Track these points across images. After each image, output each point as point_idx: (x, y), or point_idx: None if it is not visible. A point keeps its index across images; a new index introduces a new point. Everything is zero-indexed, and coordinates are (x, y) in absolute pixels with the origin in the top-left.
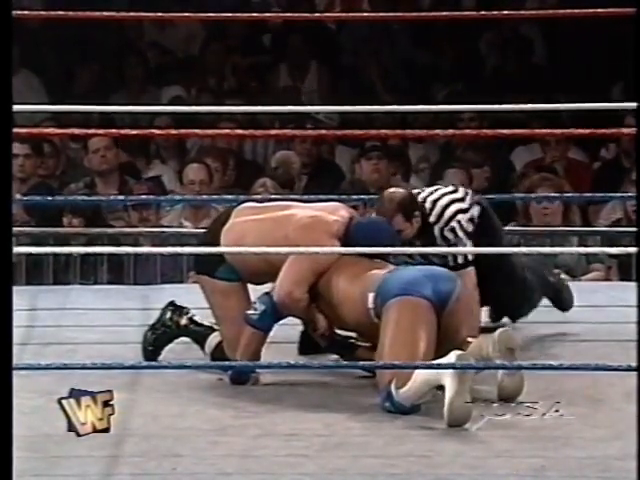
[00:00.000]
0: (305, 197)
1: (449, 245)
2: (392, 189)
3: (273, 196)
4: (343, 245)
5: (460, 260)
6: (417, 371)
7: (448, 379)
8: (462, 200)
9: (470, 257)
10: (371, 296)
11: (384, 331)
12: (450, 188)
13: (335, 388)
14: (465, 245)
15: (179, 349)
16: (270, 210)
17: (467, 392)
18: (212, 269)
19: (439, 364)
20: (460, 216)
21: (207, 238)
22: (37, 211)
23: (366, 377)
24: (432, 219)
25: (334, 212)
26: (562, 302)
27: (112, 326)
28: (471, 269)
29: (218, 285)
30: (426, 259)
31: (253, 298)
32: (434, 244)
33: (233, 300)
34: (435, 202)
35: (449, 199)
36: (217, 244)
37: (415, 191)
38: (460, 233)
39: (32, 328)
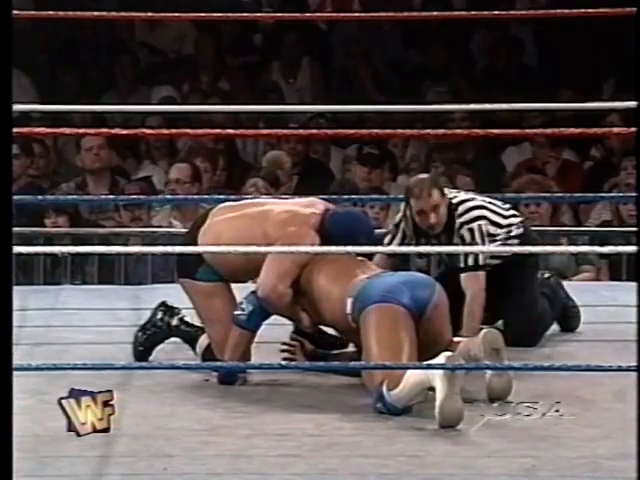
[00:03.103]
0: (296, 197)
1: (463, 244)
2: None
3: (262, 196)
4: (322, 237)
5: (470, 262)
6: (408, 373)
7: (438, 381)
8: (498, 215)
9: (481, 261)
10: (349, 301)
11: (365, 339)
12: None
13: (326, 388)
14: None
15: (170, 349)
16: (246, 207)
17: (457, 393)
18: (192, 271)
19: (431, 365)
20: (483, 222)
21: (186, 241)
22: (26, 211)
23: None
24: (458, 211)
25: (309, 205)
26: (569, 324)
27: (103, 326)
28: (480, 273)
29: (200, 287)
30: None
31: (238, 297)
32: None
33: (217, 301)
34: (465, 202)
35: (481, 206)
36: (196, 246)
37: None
38: (477, 236)
39: (22, 328)
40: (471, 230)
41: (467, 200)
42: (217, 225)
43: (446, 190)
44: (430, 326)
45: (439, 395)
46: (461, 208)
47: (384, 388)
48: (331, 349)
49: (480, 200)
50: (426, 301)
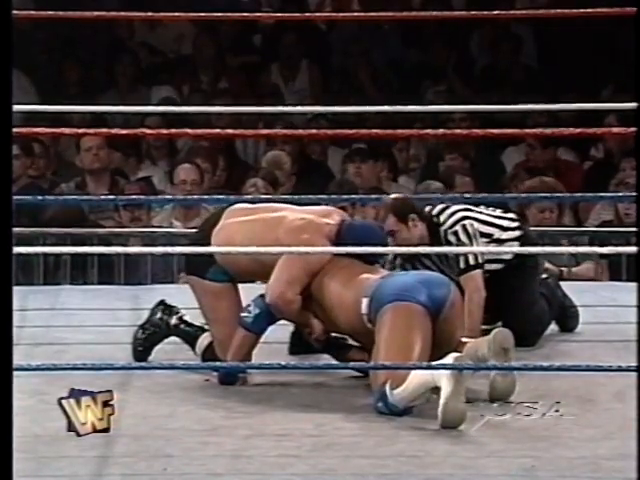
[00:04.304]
0: (296, 198)
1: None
2: (393, 194)
3: (263, 197)
4: (335, 247)
5: (462, 264)
6: (413, 373)
7: (444, 380)
8: (486, 215)
9: (472, 261)
10: (365, 301)
11: (379, 336)
12: (499, 211)
13: (326, 388)
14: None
15: (169, 349)
16: (260, 212)
17: (462, 394)
18: (202, 270)
19: (433, 365)
20: (467, 222)
21: (198, 239)
22: (26, 211)
23: (356, 377)
24: (440, 221)
25: (325, 215)
26: (568, 324)
27: (102, 326)
28: (476, 272)
29: (208, 286)
30: (434, 264)
31: (244, 299)
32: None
33: (224, 301)
34: (445, 209)
35: (464, 208)
36: (208, 245)
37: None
38: (463, 237)
39: (22, 329)
40: (455, 232)
41: (447, 207)
42: (230, 227)
43: (427, 207)
44: (446, 325)
45: (444, 395)
46: (442, 217)
47: (387, 387)
48: (338, 354)
49: (461, 205)
50: (443, 299)
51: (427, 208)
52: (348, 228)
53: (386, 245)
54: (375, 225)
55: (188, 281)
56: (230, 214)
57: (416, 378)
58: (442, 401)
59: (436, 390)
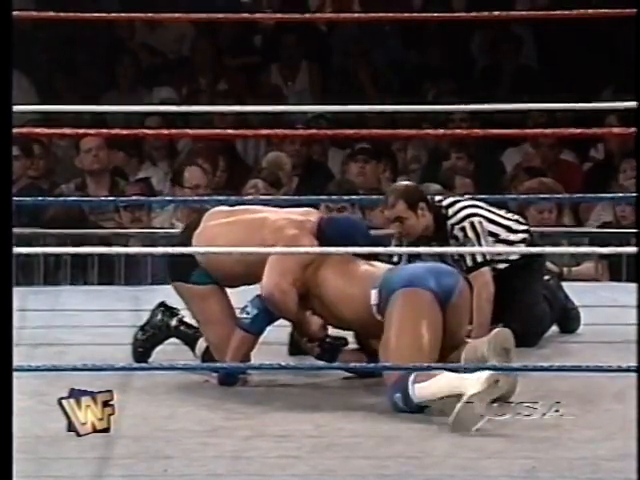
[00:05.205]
0: (296, 199)
1: (458, 245)
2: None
3: (263, 198)
4: (319, 242)
5: (470, 262)
6: (442, 372)
7: (474, 383)
8: (495, 214)
9: (480, 259)
10: (374, 292)
11: (389, 323)
12: (505, 212)
13: (326, 389)
14: (474, 247)
15: (169, 350)
16: (240, 214)
17: (486, 402)
18: (185, 275)
19: (433, 366)
20: (475, 219)
21: (180, 243)
22: (26, 211)
23: (349, 378)
24: (448, 215)
25: (304, 214)
26: (569, 326)
27: (102, 327)
28: (485, 269)
29: (194, 290)
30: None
31: (236, 301)
32: (448, 243)
33: (212, 303)
34: (455, 203)
35: (473, 205)
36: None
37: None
38: (470, 234)
39: (22, 329)
40: (463, 229)
41: (457, 202)
42: (211, 230)
43: (437, 197)
44: (455, 314)
45: (468, 394)
46: (451, 211)
47: (410, 379)
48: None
49: (472, 201)
50: (452, 287)
51: (436, 198)
52: (328, 222)
53: (368, 235)
54: (356, 217)
55: (174, 288)
56: (210, 217)
57: (444, 378)
58: (464, 399)
59: (459, 397)
